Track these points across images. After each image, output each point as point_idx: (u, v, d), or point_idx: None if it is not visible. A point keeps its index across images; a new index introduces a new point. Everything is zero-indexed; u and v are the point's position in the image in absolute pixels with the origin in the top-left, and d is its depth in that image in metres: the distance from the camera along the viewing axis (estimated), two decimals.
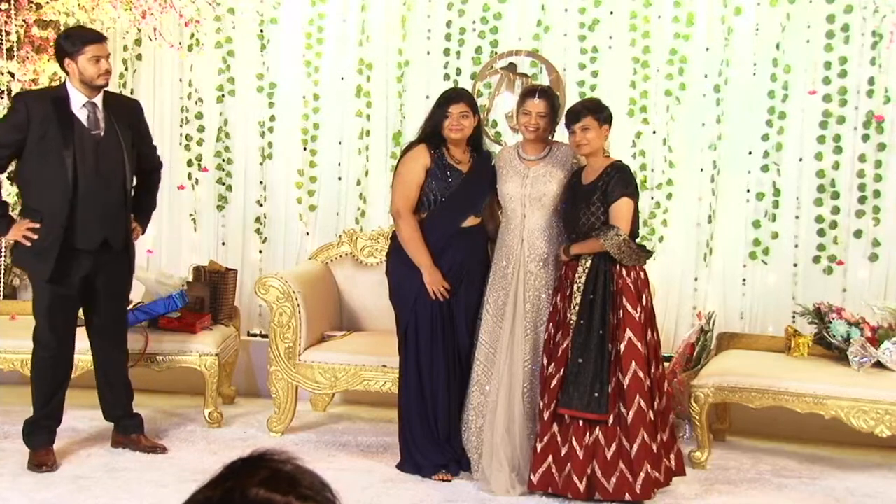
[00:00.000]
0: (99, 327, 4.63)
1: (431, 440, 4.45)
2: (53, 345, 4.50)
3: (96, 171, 4.39)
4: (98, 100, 4.43)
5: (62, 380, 4.59)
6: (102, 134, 4.42)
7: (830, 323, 4.80)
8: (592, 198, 4.19)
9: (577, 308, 4.14)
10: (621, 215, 4.15)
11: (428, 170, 4.42)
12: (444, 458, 4.44)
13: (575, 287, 4.17)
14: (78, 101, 4.39)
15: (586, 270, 4.17)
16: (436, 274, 4.40)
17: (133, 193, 4.60)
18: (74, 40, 4.38)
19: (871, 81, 5.26)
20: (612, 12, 5.55)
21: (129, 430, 4.74)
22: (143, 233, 4.76)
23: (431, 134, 4.45)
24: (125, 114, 4.55)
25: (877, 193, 5.28)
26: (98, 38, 4.44)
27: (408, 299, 4.46)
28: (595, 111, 4.22)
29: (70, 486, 4.27)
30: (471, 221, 4.51)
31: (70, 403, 5.40)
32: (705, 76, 5.48)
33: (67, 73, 4.41)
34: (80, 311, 4.68)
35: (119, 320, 4.71)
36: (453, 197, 4.45)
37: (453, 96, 4.49)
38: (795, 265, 5.42)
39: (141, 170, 4.64)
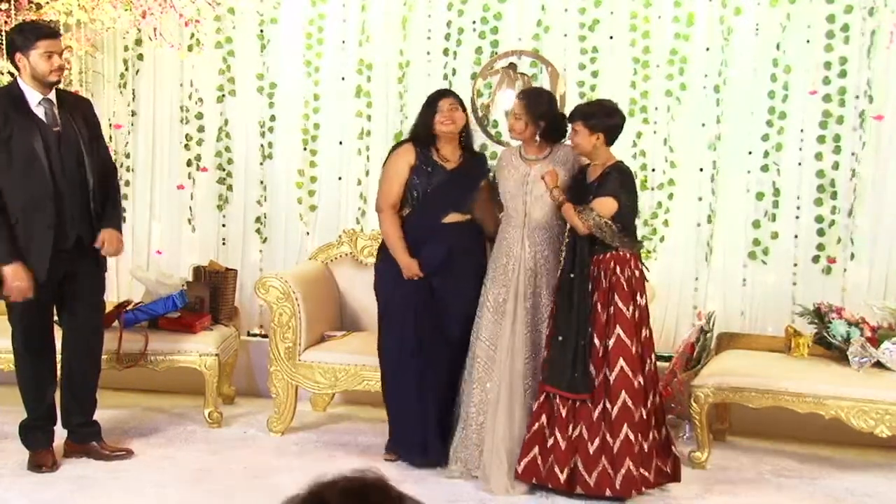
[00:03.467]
0: (74, 330, 4.51)
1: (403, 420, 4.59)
2: (33, 349, 4.44)
3: (62, 168, 4.30)
4: (52, 97, 4.34)
5: (48, 382, 4.53)
6: (61, 130, 4.33)
7: (830, 323, 4.80)
8: (591, 194, 4.22)
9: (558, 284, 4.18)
10: (601, 206, 4.18)
11: (412, 167, 4.53)
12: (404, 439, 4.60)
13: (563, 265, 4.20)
14: (34, 99, 4.28)
15: (564, 249, 4.20)
16: (412, 265, 4.50)
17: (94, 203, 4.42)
18: (27, 35, 4.26)
19: (871, 81, 5.25)
20: (612, 12, 5.55)
21: (87, 439, 4.61)
22: (120, 241, 4.52)
23: (422, 133, 4.55)
24: (79, 111, 4.45)
25: (880, 194, 5.27)
26: (52, 33, 4.34)
27: (387, 287, 4.59)
28: (585, 117, 4.23)
29: (70, 486, 4.27)
30: (454, 218, 4.57)
31: None
32: (705, 76, 5.48)
33: (18, 68, 4.31)
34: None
35: (95, 322, 4.59)
36: (434, 193, 4.53)
37: (441, 92, 4.65)
38: (795, 265, 5.42)
39: (98, 174, 4.43)
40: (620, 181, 4.22)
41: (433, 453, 4.53)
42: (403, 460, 4.61)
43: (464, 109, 4.60)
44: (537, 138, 4.41)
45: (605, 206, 4.18)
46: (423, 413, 4.54)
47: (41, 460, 4.45)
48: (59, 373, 4.60)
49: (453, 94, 4.64)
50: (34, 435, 4.52)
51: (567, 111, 5.10)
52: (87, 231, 4.40)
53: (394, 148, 4.72)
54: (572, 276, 4.17)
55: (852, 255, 5.32)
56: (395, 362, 4.59)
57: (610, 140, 4.28)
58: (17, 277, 4.21)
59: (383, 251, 4.66)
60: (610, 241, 4.16)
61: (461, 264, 4.55)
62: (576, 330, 4.14)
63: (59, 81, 4.36)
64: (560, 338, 4.15)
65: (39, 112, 4.30)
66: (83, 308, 4.50)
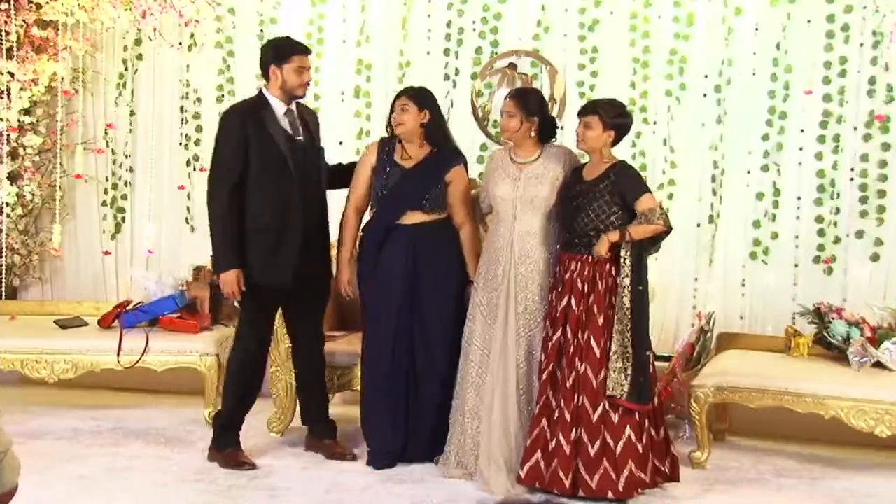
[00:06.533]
0: (301, 329, 4.71)
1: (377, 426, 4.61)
2: (251, 352, 4.59)
3: (304, 175, 4.49)
4: (294, 108, 4.56)
5: (253, 388, 4.65)
6: (302, 139, 4.54)
7: (830, 323, 4.80)
8: (595, 193, 4.19)
9: (627, 301, 4.11)
10: (650, 202, 4.17)
11: (373, 168, 4.57)
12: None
13: (626, 278, 4.14)
14: (280, 109, 4.50)
15: (627, 261, 4.15)
16: (344, 274, 4.60)
17: None
18: (283, 49, 4.49)
19: (872, 81, 5.26)
20: (612, 12, 5.56)
21: (322, 435, 4.75)
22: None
23: (389, 132, 4.61)
24: (311, 121, 4.66)
25: (881, 193, 5.28)
26: (304, 49, 4.54)
27: (362, 283, 4.61)
28: (604, 112, 4.23)
29: (70, 486, 4.27)
30: (418, 218, 4.53)
31: (70, 403, 5.42)
32: (705, 76, 5.48)
33: (269, 79, 4.48)
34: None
35: (319, 323, 4.75)
36: (390, 194, 4.53)
37: (399, 92, 4.64)
38: (795, 265, 5.42)
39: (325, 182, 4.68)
40: (636, 176, 4.27)
41: (411, 454, 4.57)
42: (372, 465, 4.57)
43: (422, 108, 4.52)
44: (532, 133, 4.40)
45: (652, 200, 4.20)
46: (390, 417, 4.55)
47: (241, 458, 4.57)
48: (295, 373, 4.82)
49: (408, 93, 4.57)
50: (225, 434, 4.63)
51: (567, 111, 5.11)
52: (319, 234, 4.62)
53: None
54: (641, 287, 4.15)
55: (853, 256, 5.32)
56: (366, 361, 4.63)
57: (618, 139, 4.29)
58: (231, 285, 4.42)
59: (360, 245, 4.68)
60: (669, 224, 4.18)
61: (429, 266, 4.52)
62: (644, 340, 4.15)
63: (303, 95, 4.56)
64: (648, 353, 4.13)
65: (284, 122, 4.50)
66: (310, 305, 4.67)
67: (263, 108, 4.48)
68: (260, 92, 4.55)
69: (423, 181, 4.53)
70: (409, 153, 4.55)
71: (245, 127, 4.42)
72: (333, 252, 4.78)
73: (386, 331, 4.53)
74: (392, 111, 4.55)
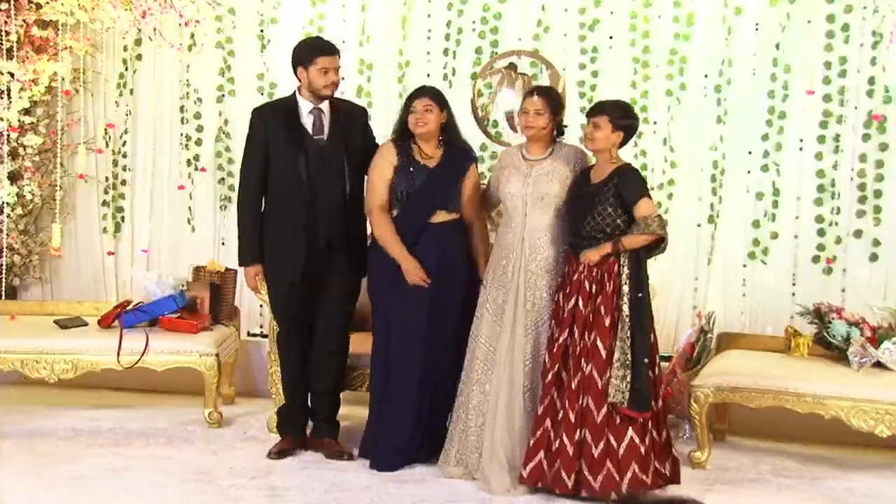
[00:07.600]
0: (320, 326, 4.69)
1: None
2: (285, 343, 4.74)
3: (322, 174, 4.56)
4: (324, 106, 4.60)
5: (297, 377, 4.75)
6: (326, 139, 4.59)
7: (830, 323, 4.81)
8: (601, 196, 4.19)
9: (627, 309, 4.12)
10: (648, 209, 4.18)
11: (395, 167, 4.52)
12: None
13: (624, 286, 4.15)
14: (305, 108, 4.59)
15: (624, 268, 4.16)
16: (411, 263, 4.45)
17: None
18: (309, 51, 4.60)
19: (872, 81, 5.26)
20: (612, 12, 5.56)
21: (323, 434, 4.77)
22: None
23: (402, 131, 4.57)
24: (350, 120, 4.68)
25: (878, 193, 5.28)
26: (330, 50, 4.58)
27: (382, 290, 4.54)
28: (613, 113, 4.24)
29: (70, 486, 4.27)
30: (442, 217, 4.53)
31: (70, 403, 5.42)
32: (705, 76, 5.48)
33: (299, 80, 4.59)
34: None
35: (339, 321, 4.72)
36: (418, 193, 4.51)
37: (417, 92, 4.61)
38: (795, 265, 5.42)
39: (359, 180, 4.67)
40: (637, 180, 4.26)
41: (409, 457, 4.55)
42: (376, 467, 4.53)
43: (443, 108, 4.54)
44: (555, 133, 4.42)
45: (650, 207, 4.21)
46: (413, 419, 4.51)
47: (276, 446, 4.70)
48: (310, 368, 4.79)
49: (429, 93, 4.56)
50: (283, 423, 4.81)
51: (567, 111, 5.11)
52: (339, 233, 4.62)
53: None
54: (640, 295, 4.15)
55: (853, 256, 5.32)
56: (390, 365, 4.55)
57: (625, 141, 4.30)
58: (250, 280, 4.70)
59: (371, 251, 4.63)
60: (664, 233, 4.17)
61: (453, 268, 4.51)
62: (643, 349, 4.14)
63: (331, 95, 4.60)
64: (646, 360, 4.12)
65: (308, 121, 4.60)
66: (329, 304, 4.67)
67: (291, 106, 4.60)
68: (294, 91, 4.64)
69: (448, 179, 4.54)
70: (426, 153, 4.55)
71: (266, 125, 4.57)
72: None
73: (417, 335, 4.47)
74: (409, 111, 4.52)
